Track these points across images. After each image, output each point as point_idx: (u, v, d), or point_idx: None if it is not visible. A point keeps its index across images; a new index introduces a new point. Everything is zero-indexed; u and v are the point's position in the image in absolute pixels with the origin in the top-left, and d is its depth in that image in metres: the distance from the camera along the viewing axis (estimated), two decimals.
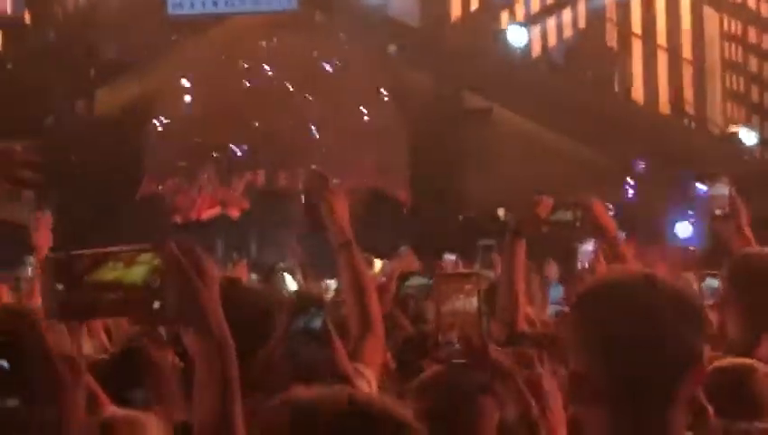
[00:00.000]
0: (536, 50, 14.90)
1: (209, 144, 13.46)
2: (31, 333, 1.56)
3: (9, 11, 14.13)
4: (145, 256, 1.59)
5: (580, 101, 13.77)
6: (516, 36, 14.39)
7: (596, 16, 14.63)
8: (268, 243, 12.53)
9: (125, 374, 2.79)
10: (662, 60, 14.85)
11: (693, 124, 15.02)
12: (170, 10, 13.64)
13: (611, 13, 14.62)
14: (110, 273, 1.59)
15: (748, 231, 3.74)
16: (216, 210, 13.43)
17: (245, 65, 13.82)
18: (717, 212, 3.99)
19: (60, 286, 1.60)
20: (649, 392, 1.62)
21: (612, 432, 1.62)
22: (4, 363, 1.50)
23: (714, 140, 14.64)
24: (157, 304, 1.57)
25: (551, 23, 14.72)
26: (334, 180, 3.47)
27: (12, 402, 1.55)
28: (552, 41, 15.12)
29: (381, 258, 8.73)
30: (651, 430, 1.57)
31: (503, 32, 14.63)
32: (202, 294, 1.59)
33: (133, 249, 1.61)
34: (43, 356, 1.55)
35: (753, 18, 14.73)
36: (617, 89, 15.01)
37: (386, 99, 14.11)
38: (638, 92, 15.16)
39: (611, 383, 1.63)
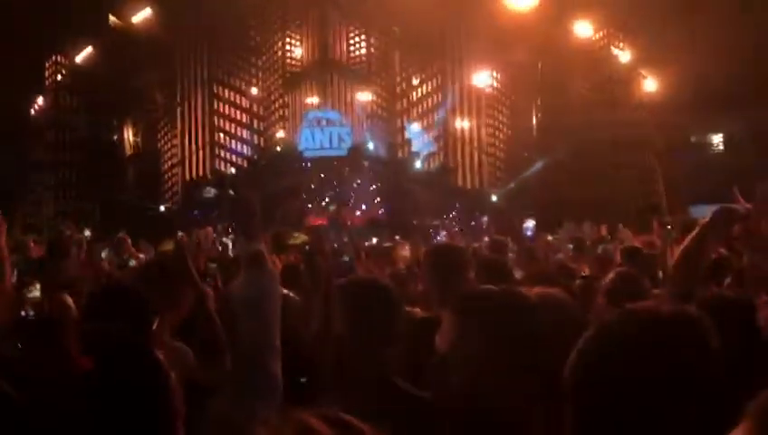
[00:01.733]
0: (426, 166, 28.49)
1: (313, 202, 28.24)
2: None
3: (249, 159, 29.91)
4: (303, 235, 7.35)
5: (441, 184, 26.62)
6: (419, 162, 27.72)
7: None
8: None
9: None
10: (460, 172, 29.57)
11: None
12: (304, 154, 26.93)
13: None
14: (292, 239, 6.55)
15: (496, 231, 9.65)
16: (319, 221, 25.92)
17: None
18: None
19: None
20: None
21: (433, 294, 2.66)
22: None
23: (485, 196, 26.38)
24: (307, 247, 5.34)
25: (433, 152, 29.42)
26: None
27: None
28: (433, 163, 28.37)
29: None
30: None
31: (415, 159, 27.92)
32: (324, 247, 3.10)
33: (301, 231, 8.19)
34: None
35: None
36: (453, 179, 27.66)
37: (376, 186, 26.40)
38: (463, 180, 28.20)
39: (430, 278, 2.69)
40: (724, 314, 1.56)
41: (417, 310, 2.93)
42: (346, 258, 5.93)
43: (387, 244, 10.72)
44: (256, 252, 2.64)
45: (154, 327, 2.44)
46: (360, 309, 1.85)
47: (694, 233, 2.52)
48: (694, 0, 16.59)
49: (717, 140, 24.02)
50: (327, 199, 26.50)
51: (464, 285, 2.69)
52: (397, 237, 12.35)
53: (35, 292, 2.63)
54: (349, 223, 24.25)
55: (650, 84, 22.64)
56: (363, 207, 25.90)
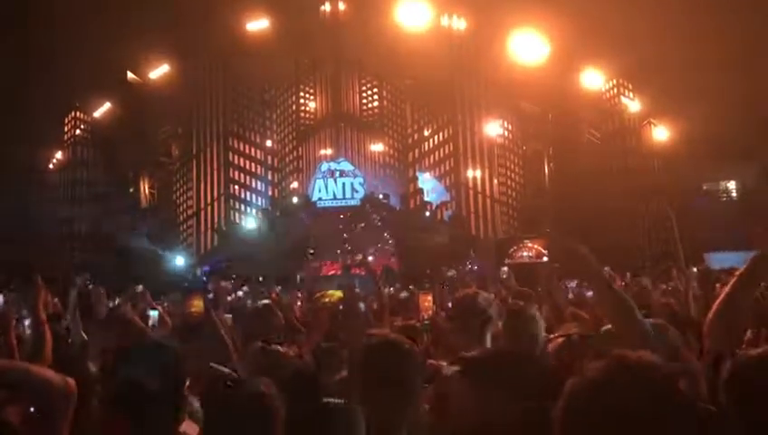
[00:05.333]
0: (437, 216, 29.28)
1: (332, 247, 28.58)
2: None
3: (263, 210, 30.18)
4: (336, 292, 4.57)
5: (455, 233, 27.56)
6: (431, 210, 28.83)
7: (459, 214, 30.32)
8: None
9: None
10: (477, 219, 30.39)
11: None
12: (318, 205, 27.63)
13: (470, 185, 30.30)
14: (329, 296, 4.52)
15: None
16: (332, 271, 27.23)
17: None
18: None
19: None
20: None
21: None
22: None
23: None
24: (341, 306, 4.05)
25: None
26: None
27: None
28: (445, 212, 29.41)
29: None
30: None
31: (427, 209, 29.12)
32: (356, 303, 3.75)
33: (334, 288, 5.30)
34: None
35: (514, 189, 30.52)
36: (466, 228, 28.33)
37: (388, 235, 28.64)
38: (474, 227, 29.29)
39: None
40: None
41: (443, 364, 2.88)
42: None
43: (403, 293, 10.49)
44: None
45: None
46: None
47: (730, 285, 2.40)
48: (703, 51, 16.76)
49: (730, 187, 23.88)
50: (340, 250, 26.73)
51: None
52: (411, 287, 12.75)
53: None
54: (378, 271, 24.21)
55: (661, 133, 22.66)
56: (375, 256, 26.08)
